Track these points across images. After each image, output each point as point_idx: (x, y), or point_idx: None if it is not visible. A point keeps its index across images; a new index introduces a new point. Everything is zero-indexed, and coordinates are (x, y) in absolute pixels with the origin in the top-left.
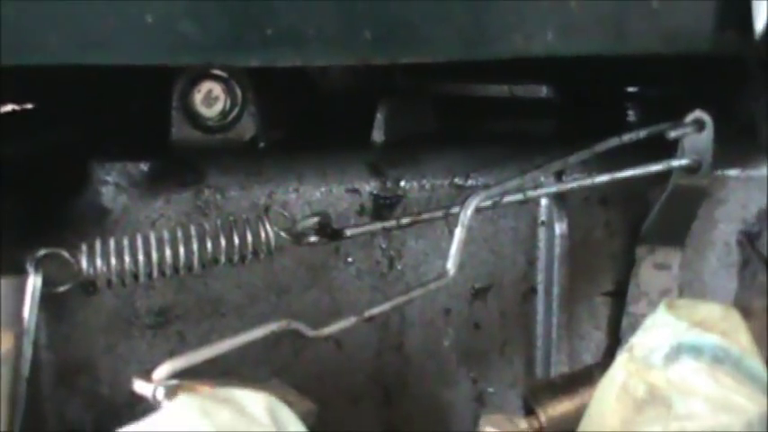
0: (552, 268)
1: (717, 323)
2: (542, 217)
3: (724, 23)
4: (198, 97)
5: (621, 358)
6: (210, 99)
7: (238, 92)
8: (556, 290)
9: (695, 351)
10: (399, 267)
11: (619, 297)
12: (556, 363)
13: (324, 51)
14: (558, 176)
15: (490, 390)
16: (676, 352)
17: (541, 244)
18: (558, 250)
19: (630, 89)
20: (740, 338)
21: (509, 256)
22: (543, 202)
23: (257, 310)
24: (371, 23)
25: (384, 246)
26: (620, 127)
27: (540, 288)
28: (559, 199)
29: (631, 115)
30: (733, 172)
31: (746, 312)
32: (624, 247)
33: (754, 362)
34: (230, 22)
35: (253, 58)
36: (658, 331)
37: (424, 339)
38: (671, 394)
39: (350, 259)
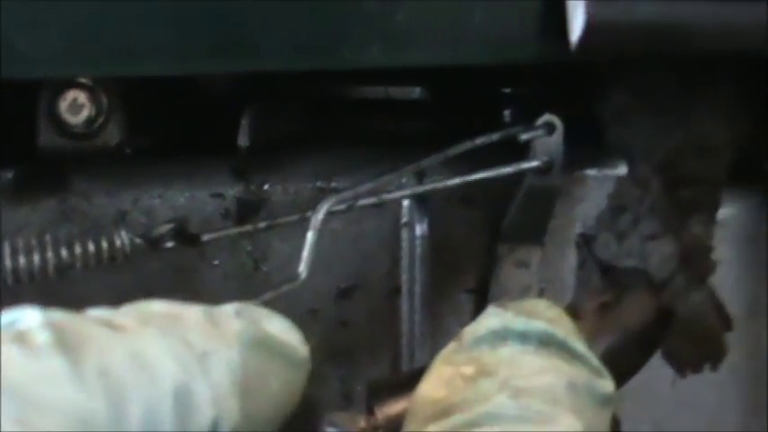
0: (414, 268)
1: (542, 312)
2: (404, 218)
3: (545, 33)
4: (63, 105)
5: (450, 345)
6: (76, 107)
7: (104, 99)
8: (418, 289)
9: (522, 336)
10: (265, 269)
11: (481, 294)
12: (420, 359)
13: (160, 63)
14: (419, 178)
15: (359, 387)
16: (503, 337)
17: (404, 244)
18: (419, 250)
19: (505, 90)
20: (564, 324)
21: (373, 256)
22: (405, 203)
23: None
24: (205, 36)
25: (250, 248)
26: (495, 127)
27: (404, 287)
28: (420, 200)
29: (507, 116)
30: (591, 171)
31: (576, 313)
32: (486, 245)
33: (579, 344)
34: (65, 37)
35: (86, 70)
36: (486, 320)
37: None
38: (499, 368)
39: (216, 262)
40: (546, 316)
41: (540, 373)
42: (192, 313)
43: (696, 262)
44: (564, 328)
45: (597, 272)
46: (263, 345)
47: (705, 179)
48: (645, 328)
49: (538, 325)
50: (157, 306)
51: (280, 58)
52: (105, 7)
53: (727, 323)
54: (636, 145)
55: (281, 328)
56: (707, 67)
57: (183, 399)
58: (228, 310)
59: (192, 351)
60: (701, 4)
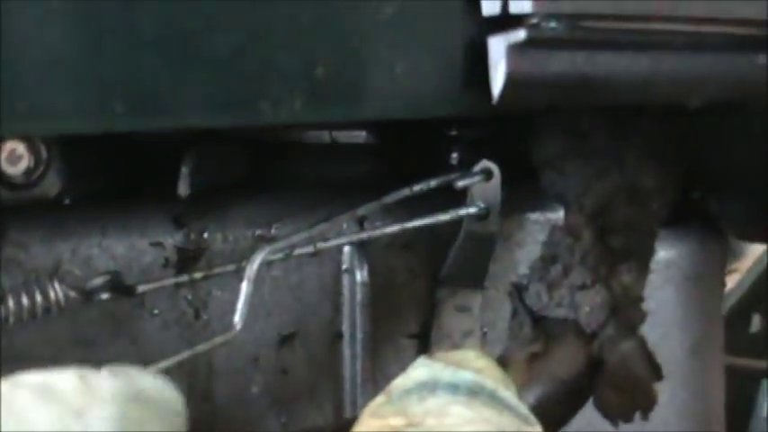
0: (356, 313)
1: (471, 362)
2: (345, 264)
3: (467, 87)
4: (2, 156)
5: (378, 398)
6: (14, 158)
7: (43, 150)
8: (360, 334)
9: (451, 387)
10: (205, 317)
11: (423, 339)
12: (362, 404)
13: (77, 123)
14: (360, 224)
15: None
16: (431, 388)
17: (345, 290)
18: (360, 296)
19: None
20: (494, 374)
21: (314, 302)
22: (345, 249)
23: (63, 362)
24: (122, 96)
25: (190, 297)
26: (441, 169)
27: (346, 333)
28: (361, 246)
29: (454, 158)
30: (532, 215)
31: (507, 363)
32: (427, 290)
33: (508, 393)
34: None
35: (6, 128)
36: (414, 371)
37: (232, 387)
38: (426, 419)
39: (155, 311)
40: (475, 366)
41: (469, 423)
42: (65, 378)
43: (626, 312)
44: (493, 378)
45: (529, 321)
46: (138, 399)
47: (636, 226)
48: (575, 378)
49: (467, 375)
50: (31, 376)
51: (198, 115)
52: (24, 66)
53: (656, 372)
54: (568, 190)
55: (154, 384)
56: (636, 113)
57: None
58: (103, 372)
59: (67, 409)
60: (618, 57)
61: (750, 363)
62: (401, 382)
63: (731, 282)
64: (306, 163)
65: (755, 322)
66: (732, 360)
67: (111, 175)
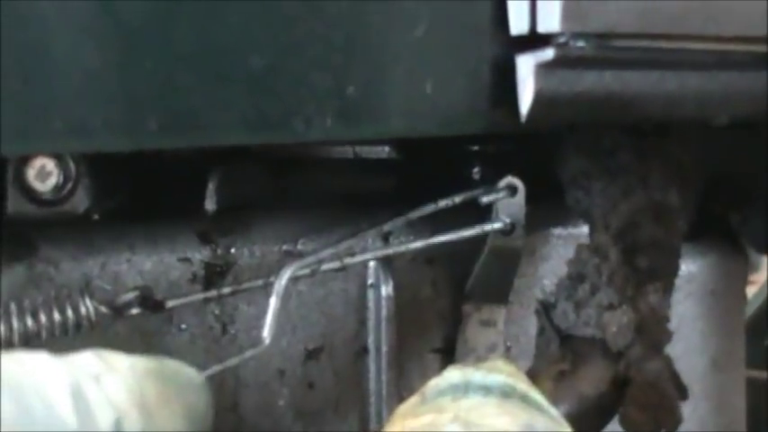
0: (381, 328)
1: (501, 368)
2: (370, 279)
3: (496, 105)
4: (31, 173)
5: (413, 398)
6: (44, 174)
7: (72, 166)
8: (385, 349)
9: (483, 389)
10: (233, 332)
11: (448, 353)
12: (387, 418)
13: (110, 140)
14: (385, 239)
15: None
16: (464, 390)
17: (371, 305)
18: (385, 311)
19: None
20: (524, 379)
21: (340, 317)
22: (371, 264)
23: None
24: (156, 113)
25: (217, 312)
26: (462, 185)
27: (371, 347)
28: (386, 261)
29: (476, 173)
30: (556, 230)
31: (534, 380)
32: (451, 305)
33: (539, 396)
34: (16, 113)
35: (40, 146)
36: (447, 374)
37: (258, 400)
38: (458, 413)
39: (183, 326)
40: (505, 371)
41: (497, 416)
42: (82, 354)
43: (652, 331)
44: (524, 382)
45: (556, 340)
46: (157, 373)
47: (662, 245)
48: (601, 396)
49: (499, 378)
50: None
51: (230, 133)
52: (59, 84)
53: (682, 392)
54: (594, 209)
55: (172, 362)
56: (662, 131)
57: (79, 397)
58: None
59: (85, 373)
60: (645, 75)
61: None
62: (435, 383)
63: (748, 294)
64: (331, 178)
65: None
66: (749, 372)
67: (138, 191)
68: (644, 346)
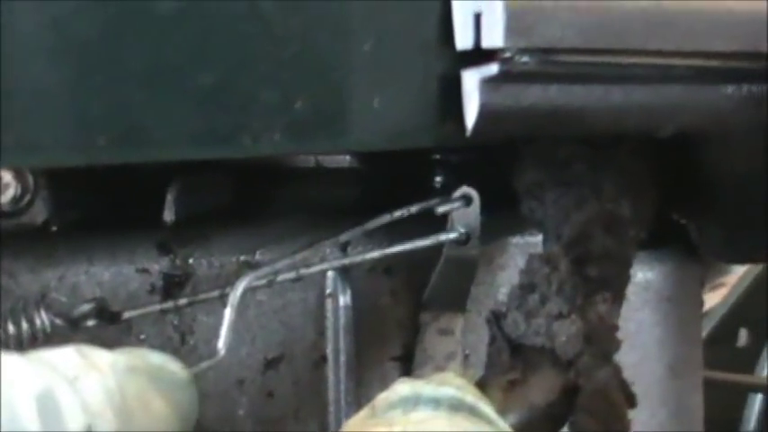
0: (339, 337)
1: (451, 380)
2: (329, 289)
3: (442, 119)
4: None
5: (362, 412)
6: (1, 186)
7: (30, 178)
8: (344, 358)
9: (434, 402)
10: (192, 342)
11: (407, 362)
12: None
13: (61, 156)
14: (343, 249)
15: None
16: (415, 403)
17: (329, 314)
18: (343, 320)
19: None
20: (474, 391)
21: (299, 326)
22: (329, 274)
23: None
24: (106, 129)
25: (176, 322)
26: (425, 193)
27: (330, 356)
28: (344, 271)
29: (438, 181)
30: (514, 238)
31: (484, 389)
32: (409, 313)
33: (488, 408)
34: None
35: None
36: (397, 387)
37: (218, 409)
38: (407, 427)
39: (142, 336)
40: (455, 383)
41: (446, 429)
42: (63, 351)
43: (601, 340)
44: (473, 394)
45: (506, 349)
46: (139, 371)
47: (612, 256)
48: (551, 405)
49: (448, 390)
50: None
51: (179, 148)
52: (10, 99)
53: (631, 399)
54: (547, 219)
55: (158, 358)
56: (614, 142)
57: (48, 401)
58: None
59: (59, 372)
60: (590, 89)
61: (737, 377)
62: (385, 396)
63: (718, 296)
64: (291, 188)
65: (742, 337)
66: (719, 375)
67: (97, 202)
68: (593, 355)
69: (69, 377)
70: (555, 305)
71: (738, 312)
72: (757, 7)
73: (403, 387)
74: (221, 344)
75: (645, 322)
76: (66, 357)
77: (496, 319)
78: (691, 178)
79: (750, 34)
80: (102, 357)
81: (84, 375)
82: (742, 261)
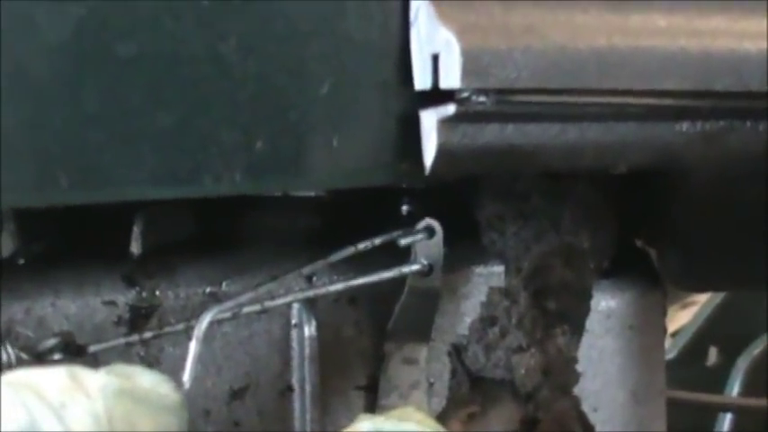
0: (305, 367)
1: (411, 415)
2: (294, 319)
3: (401, 158)
4: None
5: None
6: None
7: None
8: (309, 387)
9: None
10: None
11: (371, 391)
12: None
13: (22, 197)
14: (308, 280)
15: None
16: None
17: (294, 344)
18: (308, 350)
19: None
20: (433, 425)
21: (264, 357)
22: (295, 305)
23: None
24: (66, 170)
25: (142, 353)
26: (391, 222)
27: (296, 386)
28: (309, 302)
29: (404, 210)
30: (477, 268)
31: (445, 422)
32: (374, 343)
33: None
34: None
35: None
36: (359, 424)
37: None
38: None
39: None
40: (415, 418)
41: None
42: (53, 374)
43: (560, 373)
44: (433, 429)
45: (467, 382)
46: (127, 394)
47: (571, 288)
48: None
49: (408, 426)
50: (20, 373)
51: (140, 188)
52: None
53: (588, 431)
54: (508, 251)
55: (149, 380)
56: (572, 175)
57: None
58: (100, 371)
59: (45, 402)
60: (545, 127)
61: (707, 397)
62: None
63: (689, 314)
64: (256, 217)
65: (712, 355)
66: (689, 395)
67: (64, 235)
68: (552, 388)
69: (56, 405)
70: (514, 338)
71: (708, 331)
72: (709, 47)
73: (364, 423)
74: (186, 377)
75: (607, 350)
76: (55, 380)
77: (457, 352)
78: (651, 206)
79: (702, 73)
80: (93, 380)
81: (71, 401)
82: (703, 289)
